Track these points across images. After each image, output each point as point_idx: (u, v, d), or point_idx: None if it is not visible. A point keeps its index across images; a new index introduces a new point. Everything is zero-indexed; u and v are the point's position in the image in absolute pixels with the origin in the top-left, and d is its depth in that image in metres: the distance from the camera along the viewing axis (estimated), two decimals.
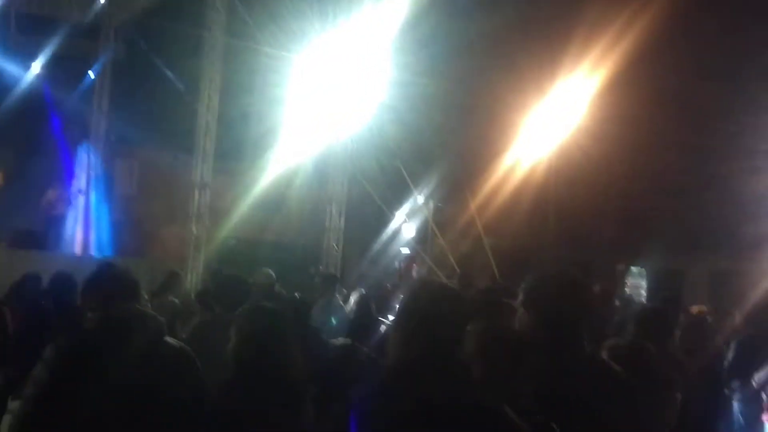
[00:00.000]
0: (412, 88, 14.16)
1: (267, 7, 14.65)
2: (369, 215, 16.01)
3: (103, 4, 17.58)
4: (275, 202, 16.12)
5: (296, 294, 7.62)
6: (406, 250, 16.89)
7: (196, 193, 14.21)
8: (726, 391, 5.88)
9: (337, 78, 14.39)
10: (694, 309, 8.64)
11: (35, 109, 18.26)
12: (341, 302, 8.09)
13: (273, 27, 14.55)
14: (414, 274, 16.26)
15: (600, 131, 15.64)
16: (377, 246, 16.25)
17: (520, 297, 3.40)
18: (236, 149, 15.50)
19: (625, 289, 20.03)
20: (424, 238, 16.69)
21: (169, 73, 16.38)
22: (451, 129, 15.42)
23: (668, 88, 16.35)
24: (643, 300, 17.22)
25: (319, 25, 14.54)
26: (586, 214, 20.12)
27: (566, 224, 19.13)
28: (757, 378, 5.60)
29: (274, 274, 7.75)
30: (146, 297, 6.48)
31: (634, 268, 21.58)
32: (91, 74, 18.97)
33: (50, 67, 18.20)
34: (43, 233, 16.09)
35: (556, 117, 15.55)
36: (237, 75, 14.81)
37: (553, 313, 3.18)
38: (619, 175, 18.81)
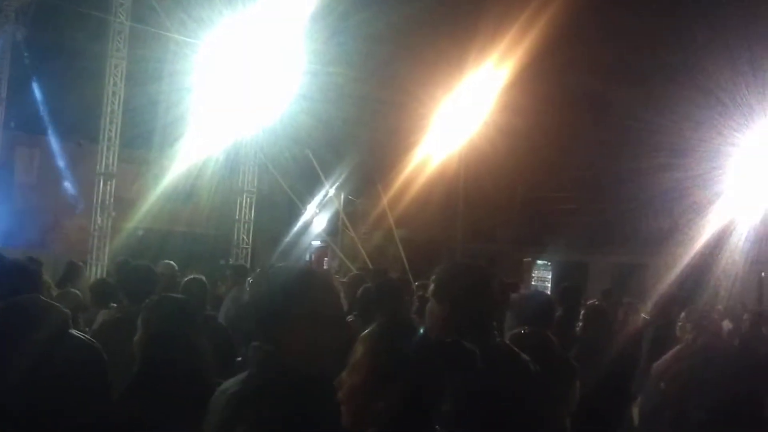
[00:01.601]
0: (324, 78, 14.11)
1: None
2: (280, 207, 15.92)
3: None
4: (185, 193, 15.85)
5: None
6: (317, 243, 16.86)
7: (101, 182, 13.84)
8: (630, 381, 6.07)
9: (248, 66, 14.23)
10: (594, 300, 8.89)
11: None
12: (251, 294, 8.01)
13: (181, 13, 14.25)
14: (324, 266, 16.24)
15: (508, 125, 15.92)
16: (288, 238, 16.16)
17: (431, 287, 3.44)
18: (144, 138, 15.15)
19: (531, 281, 20.51)
20: (335, 230, 16.69)
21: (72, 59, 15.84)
22: (362, 121, 15.45)
23: (576, 83, 16.78)
24: (547, 291, 17.65)
25: (228, 12, 14.32)
26: (494, 207, 20.49)
27: (475, 217, 19.42)
28: (656, 366, 5.80)
29: (176, 266, 7.62)
30: (51, 289, 6.28)
31: (539, 261, 22.07)
32: None
33: None
34: None
35: (466, 110, 15.76)
36: (144, 61, 14.45)
37: (463, 303, 3.23)
38: (526, 169, 19.19)
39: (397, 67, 14.83)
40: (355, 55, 14.07)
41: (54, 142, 17.56)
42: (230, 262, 14.64)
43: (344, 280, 8.10)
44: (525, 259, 20.97)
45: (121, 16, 13.87)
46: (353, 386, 2.31)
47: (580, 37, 15.94)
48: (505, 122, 15.88)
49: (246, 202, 15.31)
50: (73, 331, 3.80)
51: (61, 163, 17.14)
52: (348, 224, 16.21)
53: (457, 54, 15.09)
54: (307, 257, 16.44)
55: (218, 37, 14.23)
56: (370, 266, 14.79)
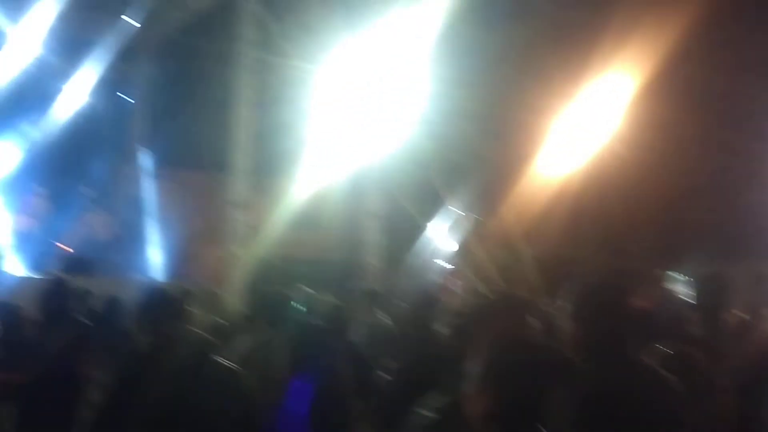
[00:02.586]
0: (446, 100, 14.15)
1: (298, 20, 14.75)
2: (407, 230, 15.98)
3: (136, 26, 17.88)
4: (314, 219, 16.18)
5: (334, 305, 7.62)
6: (446, 265, 16.82)
7: (233, 212, 14.33)
8: None
9: (371, 90, 14.43)
10: (738, 313, 8.48)
11: (74, 132, 18.61)
12: (386, 319, 8.11)
13: (305, 40, 14.63)
14: (455, 288, 16.18)
15: (635, 137, 15.46)
16: (417, 261, 16.21)
17: (564, 307, 3.39)
18: (273, 165, 15.57)
19: (667, 295, 19.73)
20: (464, 251, 16.61)
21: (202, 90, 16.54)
22: (485, 140, 15.35)
23: (705, 89, 16.12)
24: (686, 306, 16.93)
25: (352, 38, 14.61)
26: (624, 221, 19.88)
27: (604, 232, 18.91)
28: None
29: (311, 291, 7.79)
30: (195, 318, 6.55)
31: (675, 275, 21.24)
32: (128, 97, 19.31)
33: (89, 92, 18.56)
34: (89, 258, 16.30)
35: (591, 124, 15.43)
36: (271, 89, 14.89)
37: (597, 322, 3.17)
38: (656, 180, 18.56)
39: (520, 83, 14.69)
40: (476, 74, 14.05)
41: (192, 174, 18.35)
42: (360, 287, 14.83)
43: (480, 302, 8.06)
44: (659, 273, 20.22)
45: (246, 48, 14.36)
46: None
47: (709, 38, 15.32)
48: (632, 134, 15.44)
49: (373, 225, 15.48)
50: (218, 358, 3.96)
51: (196, 193, 17.87)
52: (475, 244, 16.12)
53: (582, 66, 14.82)
54: (437, 280, 16.42)
55: (342, 63, 14.51)
56: (499, 285, 14.68)
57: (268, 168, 15.29)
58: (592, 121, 15.44)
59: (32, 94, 17.92)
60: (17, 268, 15.85)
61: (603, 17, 14.51)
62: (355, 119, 14.61)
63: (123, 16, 17.52)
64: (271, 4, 14.57)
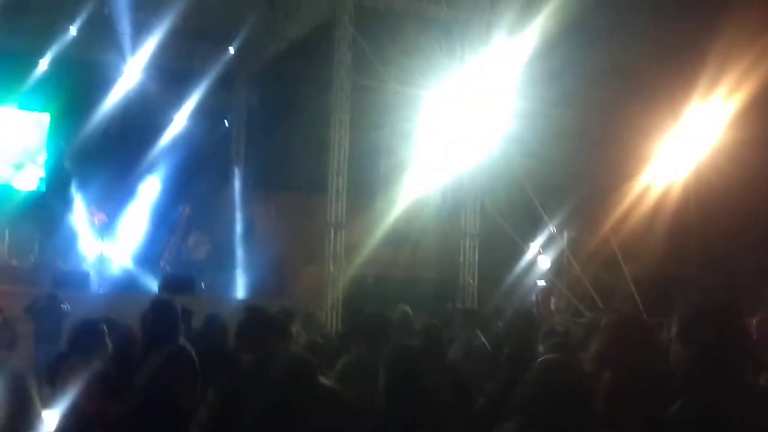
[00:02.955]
0: (542, 119, 14.06)
1: (392, 46, 14.91)
2: (503, 248, 15.84)
3: (234, 54, 18.43)
4: (408, 238, 16.24)
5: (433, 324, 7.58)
6: (542, 283, 16.59)
7: (332, 232, 14.52)
8: None
9: (466, 110, 14.46)
10: None
11: (176, 156, 19.32)
12: (483, 339, 8.01)
13: (399, 64, 14.77)
14: (552, 306, 15.94)
15: (739, 153, 14.95)
16: (512, 279, 16.04)
17: (674, 330, 3.29)
18: (367, 186, 15.72)
19: None
20: (560, 269, 16.34)
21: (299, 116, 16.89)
22: (582, 157, 15.13)
23: None
24: None
25: (446, 60, 14.69)
26: (730, 236, 19.17)
27: (708, 250, 18.28)
28: None
29: (410, 311, 7.77)
30: (298, 338, 6.65)
31: None
32: (228, 122, 19.90)
33: (190, 118, 19.25)
34: (188, 278, 16.78)
35: (692, 140, 15.04)
36: (366, 112, 15.09)
37: (714, 345, 3.06)
38: (761, 196, 17.86)
39: (619, 101, 14.44)
40: (573, 95, 13.91)
41: (288, 195, 18.72)
42: (457, 306, 14.76)
43: (579, 321, 7.93)
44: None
45: (342, 73, 14.62)
46: None
47: None
48: (737, 150, 14.93)
49: (469, 244, 15.42)
50: (321, 379, 4.00)
51: (295, 215, 18.22)
52: (573, 262, 15.84)
53: (683, 83, 14.45)
54: (533, 298, 16.23)
55: (436, 85, 14.60)
56: (600, 305, 14.36)
57: (363, 188, 15.45)
58: (693, 138, 15.04)
59: (138, 121, 18.70)
60: (123, 287, 16.44)
61: (708, 36, 14.15)
62: (451, 139, 14.65)
63: (224, 45, 18.13)
64: (367, 30, 14.78)
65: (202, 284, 17.04)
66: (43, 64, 17.74)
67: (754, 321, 5.63)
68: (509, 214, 15.43)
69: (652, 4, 14.34)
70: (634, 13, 13.84)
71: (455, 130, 14.60)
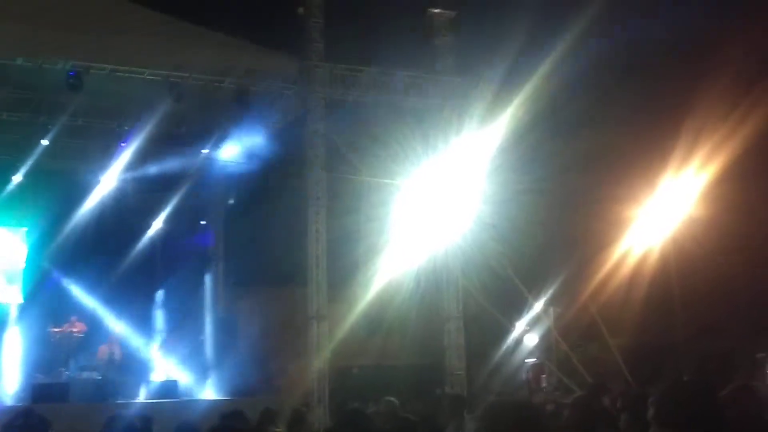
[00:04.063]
0: (513, 206, 14.30)
1: (365, 136, 15.15)
2: (488, 328, 15.77)
3: (207, 154, 18.60)
4: (388, 325, 16.13)
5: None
6: (531, 360, 16.45)
7: (314, 325, 14.41)
8: None
9: (438, 196, 14.62)
10: None
11: (154, 258, 19.29)
12: (472, 422, 7.88)
13: (372, 153, 14.98)
14: (543, 383, 15.77)
15: (715, 221, 15.14)
16: (500, 359, 15.91)
17: (650, 411, 3.25)
18: (344, 272, 15.67)
19: None
20: (548, 345, 16.25)
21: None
22: (560, 238, 15.27)
23: None
24: None
25: (418, 148, 14.92)
26: (716, 300, 19.16)
27: (695, 317, 18.26)
28: None
29: (396, 401, 7.65)
30: None
31: None
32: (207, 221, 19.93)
33: (167, 221, 19.32)
34: (175, 381, 16.52)
35: (665, 214, 15.28)
36: (340, 199, 15.20)
37: (689, 427, 3.02)
38: (744, 262, 17.96)
39: (589, 185, 14.69)
40: (543, 182, 14.16)
41: (269, 289, 18.62)
42: (446, 391, 14.58)
43: (566, 401, 7.81)
44: (759, 356, 19.32)
45: (317, 167, 14.75)
46: None
47: None
48: (712, 218, 15.12)
49: (453, 327, 15.33)
50: None
51: (277, 309, 18.08)
52: (559, 338, 15.77)
53: (656, 159, 14.77)
54: (523, 376, 16.06)
55: (408, 171, 14.79)
56: (588, 380, 14.22)
57: (340, 275, 15.40)
58: (666, 212, 15.28)
59: (115, 227, 18.71)
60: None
61: (679, 111, 14.51)
62: (425, 224, 14.75)
63: (197, 146, 18.30)
64: (338, 122, 15.04)
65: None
66: (17, 179, 17.81)
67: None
68: (490, 295, 15.42)
69: (621, 90, 14.76)
70: (604, 99, 14.25)
71: (428, 215, 14.72)
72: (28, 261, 19.14)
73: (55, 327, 17.61)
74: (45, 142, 16.75)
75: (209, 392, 16.66)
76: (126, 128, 17.44)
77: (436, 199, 14.63)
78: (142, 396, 15.87)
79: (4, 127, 16.98)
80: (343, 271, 15.45)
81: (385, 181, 14.79)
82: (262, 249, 17.82)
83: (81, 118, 16.71)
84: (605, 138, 14.24)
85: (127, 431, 4.80)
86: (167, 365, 18.10)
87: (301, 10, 14.73)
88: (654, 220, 15.46)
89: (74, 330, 17.65)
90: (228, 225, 20.03)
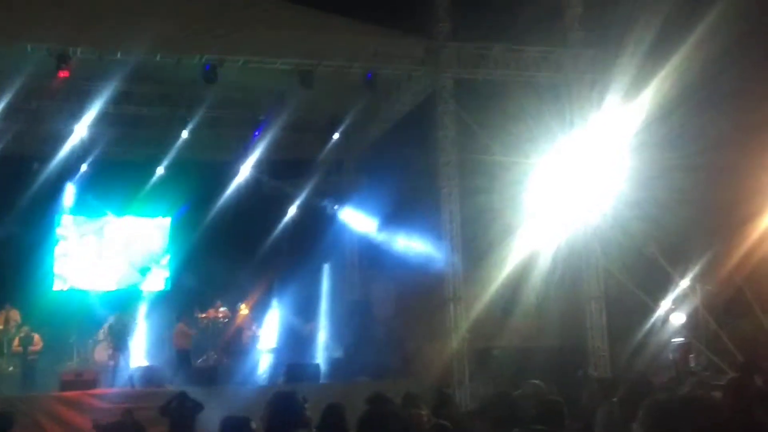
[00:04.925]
0: (659, 183, 13.67)
1: (496, 114, 14.87)
2: (632, 308, 15.22)
3: (339, 140, 18.80)
4: (527, 307, 15.84)
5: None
6: (678, 339, 15.77)
7: (451, 306, 14.34)
8: None
9: (576, 174, 14.20)
10: None
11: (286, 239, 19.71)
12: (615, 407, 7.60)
13: (505, 132, 14.68)
14: (692, 364, 15.09)
15: None
16: (645, 338, 15.33)
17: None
18: (478, 253, 15.45)
19: None
20: (695, 324, 15.52)
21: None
22: (708, 214, 14.48)
23: None
24: None
25: (553, 124, 14.53)
26: None
27: None
28: None
29: (542, 384, 7.46)
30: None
31: None
32: (335, 207, 20.17)
33: (301, 207, 19.70)
34: (312, 364, 16.82)
35: None
36: (473, 178, 14.99)
37: None
38: None
39: (742, 162, 13.86)
40: (692, 158, 13.45)
41: (405, 274, 18.68)
42: (589, 372, 14.21)
43: (717, 382, 7.43)
44: None
45: (448, 148, 14.63)
46: None
47: None
48: None
49: (595, 308, 14.90)
50: None
51: (410, 290, 18.10)
52: (708, 316, 15.05)
53: None
54: (670, 357, 15.41)
55: (543, 150, 14.43)
56: (740, 359, 13.50)
57: (474, 256, 15.22)
58: None
59: (253, 216, 19.23)
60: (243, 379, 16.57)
61: None
62: (562, 203, 14.37)
63: (328, 133, 18.54)
64: (469, 102, 14.84)
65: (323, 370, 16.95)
66: (160, 171, 18.56)
67: None
68: (633, 274, 14.88)
69: None
70: (754, 71, 13.43)
71: (565, 193, 14.32)
72: (171, 250, 20.02)
73: (202, 312, 18.28)
74: (185, 134, 17.37)
75: (346, 375, 16.85)
76: (260, 117, 17.87)
77: (573, 178, 14.21)
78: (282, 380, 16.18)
79: (146, 122, 17.76)
80: (478, 252, 15.26)
81: (519, 160, 14.48)
82: (401, 228, 17.82)
83: (217, 109, 17.26)
84: (756, 110, 13.39)
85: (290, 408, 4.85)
86: (303, 349, 18.48)
87: None
88: None
89: (219, 315, 18.29)
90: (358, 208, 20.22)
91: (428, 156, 15.42)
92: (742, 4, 12.61)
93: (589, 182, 14.16)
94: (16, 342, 16.12)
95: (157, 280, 20.06)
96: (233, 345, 17.83)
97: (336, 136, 18.64)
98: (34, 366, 15.96)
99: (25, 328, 16.15)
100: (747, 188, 14.15)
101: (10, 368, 16.30)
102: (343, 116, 18.07)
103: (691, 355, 15.30)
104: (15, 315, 16.81)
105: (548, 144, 14.37)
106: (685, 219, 14.01)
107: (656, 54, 13.57)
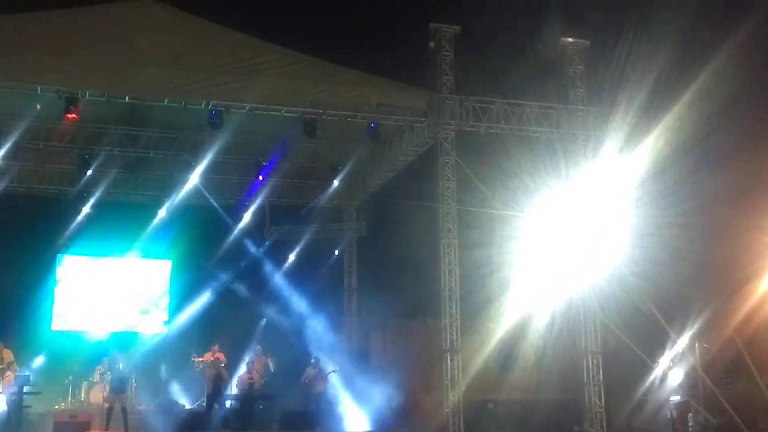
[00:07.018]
0: (654, 240, 13.75)
1: (495, 167, 15.00)
2: (629, 364, 15.18)
3: (340, 187, 18.93)
4: (524, 360, 15.78)
5: None
6: (676, 398, 15.67)
7: (448, 358, 14.27)
8: None
9: (574, 230, 14.27)
10: None
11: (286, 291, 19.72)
12: None
13: (503, 184, 14.79)
14: (690, 423, 14.99)
15: None
16: (642, 396, 15.26)
17: None
18: (476, 305, 15.46)
19: None
20: (693, 383, 15.44)
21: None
22: (705, 272, 14.53)
23: None
24: None
25: (550, 178, 14.64)
26: None
27: None
28: None
29: None
30: None
31: None
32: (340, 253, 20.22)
33: (301, 254, 19.76)
34: (309, 413, 16.64)
35: None
36: (471, 231, 15.05)
37: None
38: None
39: (736, 220, 13.97)
40: (688, 215, 13.56)
41: (402, 322, 18.64)
42: (585, 429, 14.13)
43: None
44: None
45: (448, 198, 14.71)
46: None
47: None
48: None
49: (592, 363, 14.84)
50: None
51: (409, 341, 18.02)
52: (704, 376, 14.98)
53: None
54: (668, 415, 15.30)
55: (539, 203, 14.52)
56: (737, 419, 13.45)
57: (472, 308, 15.22)
58: None
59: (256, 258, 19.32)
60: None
61: None
62: (563, 257, 14.42)
63: (329, 180, 18.69)
64: (469, 153, 14.98)
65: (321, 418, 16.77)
66: (162, 213, 18.67)
67: None
68: (631, 330, 14.87)
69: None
70: (751, 128, 13.60)
71: (562, 248, 14.38)
72: (171, 292, 20.04)
73: (198, 356, 18.18)
74: (194, 180, 17.52)
75: (344, 424, 16.67)
76: (263, 163, 18.01)
77: (571, 233, 14.28)
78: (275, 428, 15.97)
79: (151, 164, 17.88)
80: (476, 304, 15.26)
81: (516, 214, 14.56)
82: (393, 280, 17.87)
83: (221, 154, 17.37)
84: (752, 169, 13.52)
85: None
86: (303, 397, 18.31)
87: (431, 44, 14.83)
88: None
89: (215, 359, 18.18)
90: (360, 257, 20.29)
91: (429, 207, 15.50)
92: (735, 64, 12.82)
93: (586, 238, 14.21)
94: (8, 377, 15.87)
95: (156, 323, 20.03)
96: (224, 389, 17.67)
97: (335, 182, 18.77)
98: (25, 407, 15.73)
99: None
100: (742, 247, 14.22)
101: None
102: (344, 164, 18.24)
103: (690, 414, 15.21)
104: (8, 355, 16.67)
105: (544, 199, 14.46)
106: (681, 276, 14.05)
107: (651, 112, 13.75)
